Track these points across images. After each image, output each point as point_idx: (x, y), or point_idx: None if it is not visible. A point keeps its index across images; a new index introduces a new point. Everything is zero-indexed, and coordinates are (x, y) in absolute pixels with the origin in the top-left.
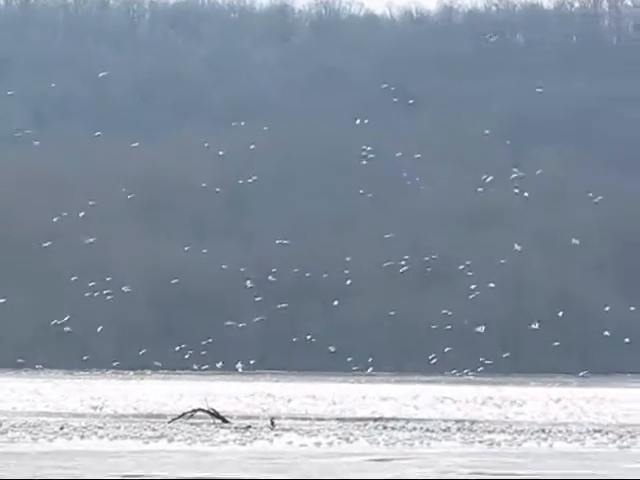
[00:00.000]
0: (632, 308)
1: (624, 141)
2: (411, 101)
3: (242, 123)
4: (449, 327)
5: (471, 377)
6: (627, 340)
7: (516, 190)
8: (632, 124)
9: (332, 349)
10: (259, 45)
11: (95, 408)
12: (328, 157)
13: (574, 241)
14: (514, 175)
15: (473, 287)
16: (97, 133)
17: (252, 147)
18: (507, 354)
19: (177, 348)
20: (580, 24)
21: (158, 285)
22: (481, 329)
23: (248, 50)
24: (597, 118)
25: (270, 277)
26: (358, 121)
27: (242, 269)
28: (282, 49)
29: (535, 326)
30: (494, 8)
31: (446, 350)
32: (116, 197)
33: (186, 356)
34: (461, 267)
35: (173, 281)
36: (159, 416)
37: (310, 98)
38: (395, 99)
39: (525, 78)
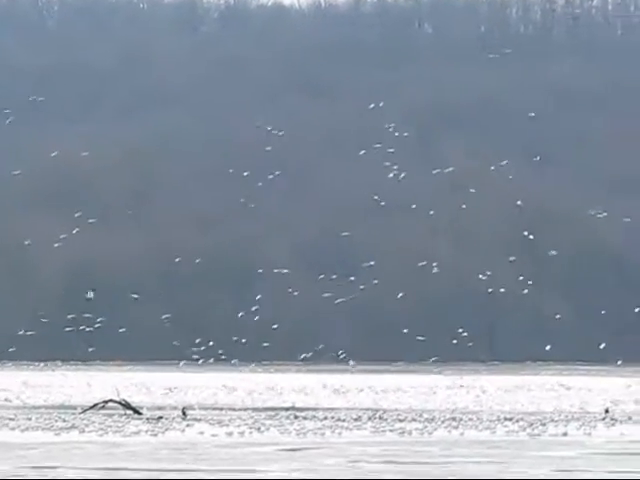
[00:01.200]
0: (541, 296)
1: (533, 131)
2: (319, 91)
3: (150, 113)
4: (354, 314)
5: (382, 366)
6: (536, 328)
7: (426, 180)
8: (540, 111)
9: (243, 340)
10: (168, 35)
11: (5, 400)
12: (236, 146)
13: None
14: (424, 165)
15: (376, 280)
16: (7, 121)
17: (161, 136)
18: (418, 342)
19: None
20: (488, 13)
21: (67, 273)
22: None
23: (157, 40)
24: (503, 107)
25: (177, 266)
26: (265, 111)
27: (149, 258)
28: (191, 39)
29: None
30: None
31: (353, 338)
32: (21, 186)
33: (95, 347)
34: (366, 255)
35: (82, 269)
36: (70, 407)
37: (218, 88)
38: (302, 89)
39: (432, 67)
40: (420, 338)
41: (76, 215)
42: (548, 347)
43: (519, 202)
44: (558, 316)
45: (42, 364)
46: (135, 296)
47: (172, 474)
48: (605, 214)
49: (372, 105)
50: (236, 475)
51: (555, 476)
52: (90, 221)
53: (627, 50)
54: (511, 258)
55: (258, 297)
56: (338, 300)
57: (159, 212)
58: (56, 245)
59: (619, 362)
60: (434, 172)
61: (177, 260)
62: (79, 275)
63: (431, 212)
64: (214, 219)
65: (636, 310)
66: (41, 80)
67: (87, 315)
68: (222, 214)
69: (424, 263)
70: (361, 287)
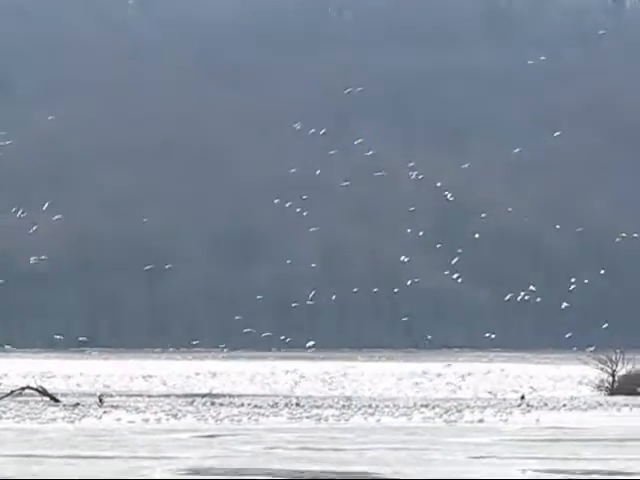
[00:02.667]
0: (459, 281)
1: (449, 112)
2: (233, 77)
3: (63, 99)
4: (271, 302)
5: (300, 353)
6: (453, 315)
7: (343, 164)
8: (456, 96)
9: (159, 327)
10: (81, 21)
11: None
12: (142, 133)
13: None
14: (340, 149)
15: (289, 261)
16: None
17: (73, 123)
18: (335, 327)
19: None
20: None
21: None
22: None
23: (70, 27)
24: (419, 91)
25: (90, 252)
26: (177, 97)
27: (65, 244)
28: (105, 25)
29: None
30: None
31: (271, 325)
32: None
33: (13, 334)
34: (281, 240)
35: None
36: None
37: (132, 74)
38: (215, 75)
39: (350, 52)
40: (340, 324)
41: None
42: (467, 334)
43: (438, 185)
44: (478, 303)
45: None
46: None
47: (88, 460)
48: (518, 199)
49: (287, 90)
50: (152, 462)
51: (471, 462)
52: (6, 207)
53: (539, 36)
54: (434, 244)
55: (171, 285)
56: (253, 286)
57: (73, 198)
58: None
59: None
60: (351, 156)
61: (91, 246)
62: None
63: (348, 196)
64: (126, 206)
65: (552, 295)
66: None
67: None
68: (134, 201)
69: (341, 248)
70: (275, 272)
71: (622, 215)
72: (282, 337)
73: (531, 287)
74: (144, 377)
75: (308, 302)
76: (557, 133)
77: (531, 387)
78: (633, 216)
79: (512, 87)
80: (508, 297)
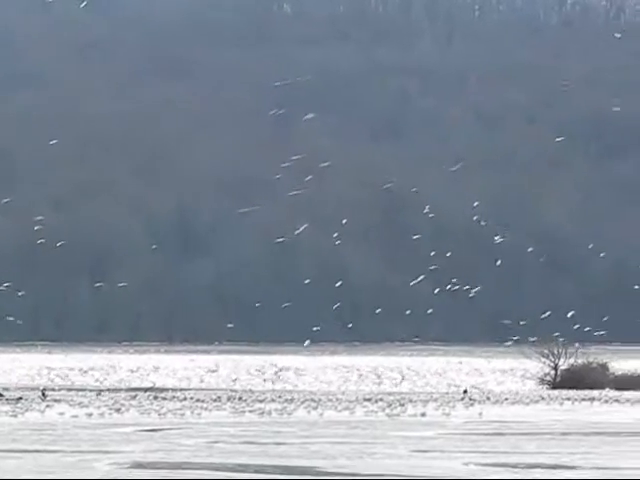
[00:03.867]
0: (401, 275)
1: (392, 109)
2: (179, 72)
3: (10, 94)
4: (214, 294)
5: (245, 347)
6: (396, 309)
7: (285, 159)
8: (399, 92)
9: (104, 321)
10: (29, 16)
11: None
12: (91, 128)
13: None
14: (282, 144)
15: (238, 256)
16: None
17: (19, 118)
18: (279, 321)
19: None
20: None
21: None
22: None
23: (17, 21)
24: (362, 87)
25: (36, 248)
26: (124, 91)
27: (10, 241)
28: (51, 20)
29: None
30: None
31: (215, 320)
32: None
33: None
34: (223, 234)
35: None
36: None
37: (79, 69)
38: (162, 70)
39: (291, 48)
40: (286, 318)
41: None
42: (410, 328)
43: (379, 182)
44: (421, 297)
45: None
46: None
47: (32, 454)
48: (460, 193)
49: (230, 84)
50: (96, 455)
51: (413, 456)
52: None
53: (485, 32)
54: (371, 238)
55: (114, 279)
56: (198, 281)
57: (18, 194)
58: None
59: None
60: (293, 151)
61: (37, 242)
62: None
63: (290, 192)
64: (70, 201)
65: (495, 289)
66: None
67: None
68: (78, 195)
69: (282, 241)
70: (218, 270)
71: (569, 211)
72: (225, 331)
73: (475, 282)
74: (87, 371)
75: (252, 297)
76: (500, 130)
77: (474, 381)
78: (580, 213)
79: (455, 84)
80: (452, 291)
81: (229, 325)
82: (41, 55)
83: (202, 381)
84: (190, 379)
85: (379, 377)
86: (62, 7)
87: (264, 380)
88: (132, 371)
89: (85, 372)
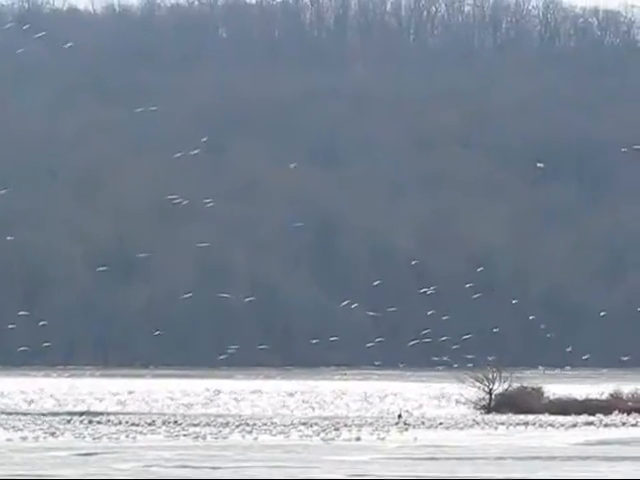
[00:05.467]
0: (337, 301)
1: (327, 133)
2: (112, 95)
3: None
4: (149, 319)
5: (178, 371)
6: (331, 333)
7: (219, 182)
8: (334, 116)
9: (42, 345)
10: None
11: None
12: (24, 151)
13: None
14: (216, 168)
15: (172, 279)
16: None
17: None
18: (211, 346)
19: None
20: (282, 18)
21: None
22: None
23: None
24: (297, 111)
25: None
26: (57, 115)
27: None
28: None
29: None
30: (196, 2)
31: (149, 343)
32: None
33: None
34: (160, 259)
35: None
36: None
37: (13, 94)
38: (96, 93)
39: (227, 72)
40: (220, 343)
41: None
42: (344, 352)
43: (313, 206)
44: (354, 321)
45: None
46: None
47: None
48: (394, 217)
49: (165, 109)
50: None
51: None
52: None
53: (420, 56)
54: (304, 263)
55: (49, 302)
56: (131, 307)
57: None
58: None
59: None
60: (226, 175)
61: None
62: None
63: (224, 215)
64: (4, 224)
65: (429, 313)
66: None
67: None
68: (12, 219)
69: (217, 266)
70: (152, 294)
71: (501, 232)
72: (160, 355)
73: (408, 306)
74: (21, 394)
75: (187, 320)
76: (434, 154)
77: (408, 406)
78: (513, 237)
79: (389, 108)
80: (385, 315)
81: (162, 349)
82: None
83: (137, 405)
84: (124, 403)
85: (313, 401)
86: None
87: (198, 404)
88: (66, 394)
89: (19, 395)
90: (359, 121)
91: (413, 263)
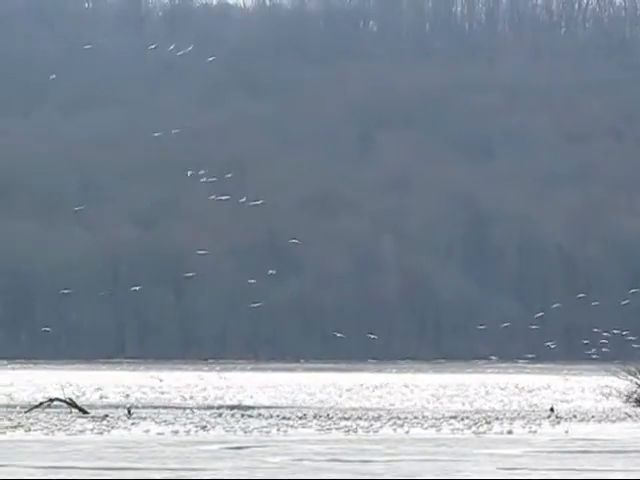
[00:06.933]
0: (488, 294)
1: (477, 125)
2: (263, 89)
3: (93, 111)
4: (297, 314)
5: (329, 364)
6: (482, 326)
7: (370, 176)
8: (484, 109)
9: (183, 337)
10: (112, 34)
11: None
12: (176, 146)
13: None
14: (367, 162)
15: (323, 271)
16: None
17: (102, 135)
18: (363, 340)
19: (28, 336)
20: (433, 11)
21: (9, 271)
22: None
23: (101, 39)
24: (447, 104)
25: (117, 265)
26: (208, 109)
27: (91, 257)
28: (134, 38)
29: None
30: None
31: (299, 336)
32: None
33: (42, 346)
34: (311, 251)
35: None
36: (15, 406)
37: (161, 87)
38: (246, 88)
39: (377, 65)
40: (371, 336)
41: (17, 211)
42: (494, 345)
43: (463, 198)
44: (505, 313)
45: None
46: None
47: (118, 472)
48: (545, 209)
49: (315, 102)
50: (182, 473)
51: (499, 474)
52: (31, 218)
53: (571, 49)
54: (455, 255)
55: (201, 296)
56: (281, 300)
57: (100, 211)
58: None
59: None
60: (378, 168)
61: (117, 259)
62: (20, 273)
63: (375, 209)
64: (151, 219)
65: (580, 305)
66: None
67: (31, 314)
68: (159, 214)
69: (367, 258)
70: (302, 286)
71: None
72: (310, 348)
73: (557, 299)
74: (173, 389)
75: (337, 314)
76: (586, 147)
77: (559, 399)
78: None
79: (540, 100)
80: (535, 308)
81: (312, 342)
82: (124, 72)
83: (287, 399)
84: (275, 397)
85: (464, 394)
86: (145, 25)
87: (350, 398)
88: (218, 388)
89: (169, 389)
90: (510, 113)
91: (563, 255)
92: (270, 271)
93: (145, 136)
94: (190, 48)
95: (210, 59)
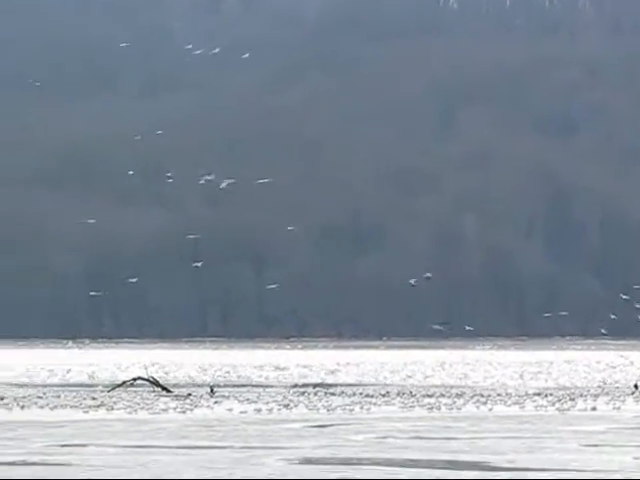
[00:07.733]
0: (570, 271)
1: (559, 101)
2: (340, 67)
3: (168, 93)
4: (379, 292)
5: (411, 342)
6: (563, 303)
7: (451, 153)
8: (566, 84)
9: (264, 315)
10: (187, 16)
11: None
12: (252, 126)
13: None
14: (448, 138)
15: (404, 249)
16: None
17: (177, 117)
18: (446, 317)
19: (114, 318)
20: None
21: (88, 251)
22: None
23: (175, 21)
24: (528, 80)
25: (192, 243)
26: (286, 89)
27: (167, 235)
28: (210, 20)
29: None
30: None
31: (382, 314)
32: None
33: (125, 325)
34: (393, 229)
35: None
36: (98, 385)
37: (238, 68)
38: (325, 65)
39: (458, 42)
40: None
41: (93, 193)
42: (576, 322)
43: (545, 174)
44: (587, 290)
45: (69, 342)
46: (157, 274)
47: (201, 451)
48: (628, 184)
49: (395, 79)
50: (265, 451)
51: (584, 451)
52: (108, 199)
53: None
54: (537, 232)
55: (283, 275)
56: (363, 277)
57: (174, 190)
58: (76, 222)
59: None
60: (458, 145)
61: (192, 238)
62: (100, 253)
63: (456, 186)
64: (225, 197)
65: None
66: (56, 57)
67: (113, 294)
68: (234, 193)
69: (450, 235)
70: (384, 264)
71: None
72: (390, 326)
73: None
74: (255, 367)
75: (411, 294)
76: None
77: None
78: None
79: (623, 75)
80: (617, 285)
81: (392, 320)
82: (200, 54)
83: (370, 376)
84: (358, 375)
85: (547, 372)
86: (221, 6)
87: (431, 375)
88: (303, 366)
89: (253, 368)
90: (591, 88)
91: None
92: (352, 249)
93: (221, 117)
94: (266, 28)
95: (287, 39)
